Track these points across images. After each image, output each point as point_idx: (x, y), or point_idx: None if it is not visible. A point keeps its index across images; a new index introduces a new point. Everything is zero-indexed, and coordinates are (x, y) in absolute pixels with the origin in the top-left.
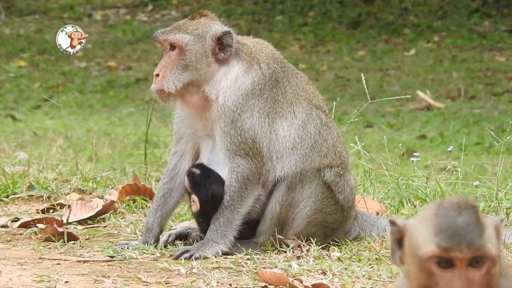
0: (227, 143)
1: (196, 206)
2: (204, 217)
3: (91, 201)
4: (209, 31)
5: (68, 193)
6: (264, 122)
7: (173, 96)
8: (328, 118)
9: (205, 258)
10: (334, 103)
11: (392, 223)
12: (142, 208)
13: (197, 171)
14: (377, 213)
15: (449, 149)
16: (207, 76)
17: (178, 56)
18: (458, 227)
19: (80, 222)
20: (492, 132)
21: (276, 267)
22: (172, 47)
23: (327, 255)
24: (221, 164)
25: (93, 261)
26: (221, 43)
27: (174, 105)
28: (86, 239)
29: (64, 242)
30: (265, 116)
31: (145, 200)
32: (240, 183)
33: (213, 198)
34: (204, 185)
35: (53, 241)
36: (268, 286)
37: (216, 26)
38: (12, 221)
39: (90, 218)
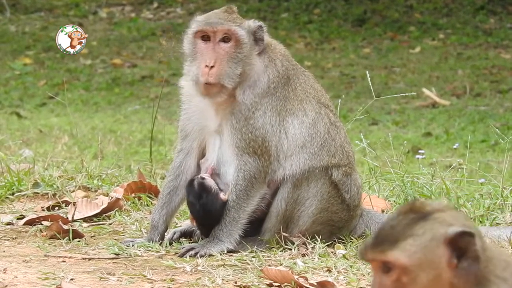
0: (237, 140)
1: (191, 219)
2: (203, 225)
3: (96, 198)
4: (249, 25)
5: (73, 191)
6: (275, 121)
7: (226, 91)
8: (336, 117)
9: (210, 255)
10: (340, 100)
11: None
12: (147, 205)
13: (194, 187)
14: (383, 211)
15: (455, 146)
16: (248, 71)
17: (234, 49)
18: (378, 231)
19: (85, 219)
20: (497, 130)
21: (281, 264)
22: (227, 39)
23: (332, 252)
24: (229, 162)
25: (98, 258)
26: (254, 38)
27: (219, 99)
28: (91, 237)
29: (69, 239)
30: (276, 114)
31: (150, 197)
32: (247, 181)
33: (208, 216)
34: (196, 205)
35: (58, 239)
36: (273, 283)
37: (249, 20)
38: (18, 219)
39: (95, 215)
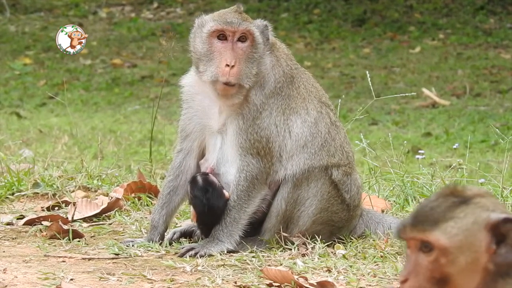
0: (241, 140)
1: (193, 217)
2: (204, 224)
3: (96, 198)
4: (258, 25)
5: (73, 191)
6: (280, 120)
7: (244, 91)
8: (336, 116)
9: (210, 255)
10: (339, 100)
11: None
12: (147, 205)
13: (199, 182)
14: (382, 211)
15: (455, 146)
16: (261, 71)
17: (250, 49)
18: (418, 210)
19: (85, 219)
20: (497, 130)
21: (281, 264)
22: (244, 38)
23: (332, 252)
24: (230, 162)
25: (98, 258)
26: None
27: (236, 101)
28: (91, 237)
29: (69, 239)
30: (281, 114)
31: (150, 197)
32: (249, 182)
33: (211, 212)
34: (202, 199)
35: (58, 239)
36: (273, 283)
37: (256, 20)
38: (17, 219)
39: (95, 215)
